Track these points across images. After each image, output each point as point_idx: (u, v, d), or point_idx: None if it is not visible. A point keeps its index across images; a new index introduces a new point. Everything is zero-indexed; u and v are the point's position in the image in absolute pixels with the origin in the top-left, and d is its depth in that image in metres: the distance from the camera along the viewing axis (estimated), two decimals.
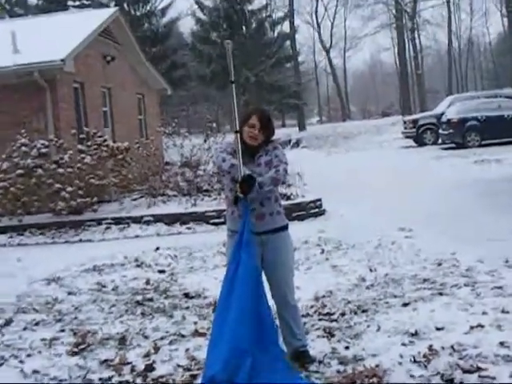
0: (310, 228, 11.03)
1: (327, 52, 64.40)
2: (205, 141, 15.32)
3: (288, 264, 4.66)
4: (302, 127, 47.95)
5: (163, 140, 18.42)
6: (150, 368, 4.87)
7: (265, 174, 4.48)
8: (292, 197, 13.16)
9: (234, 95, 4.57)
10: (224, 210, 10.30)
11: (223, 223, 10.99)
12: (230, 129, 48.72)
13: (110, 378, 4.77)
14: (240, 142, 4.41)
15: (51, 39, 15.68)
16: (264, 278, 4.61)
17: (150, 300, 6.99)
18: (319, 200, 13.06)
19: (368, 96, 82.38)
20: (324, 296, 6.56)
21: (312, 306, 6.20)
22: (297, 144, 35.96)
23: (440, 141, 28.12)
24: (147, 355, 5.16)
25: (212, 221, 12.44)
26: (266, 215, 4.55)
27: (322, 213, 12.84)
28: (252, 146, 4.55)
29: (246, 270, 4.23)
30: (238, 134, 4.43)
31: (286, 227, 4.70)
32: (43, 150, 13.62)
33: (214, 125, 17.08)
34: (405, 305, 5.97)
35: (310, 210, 12.72)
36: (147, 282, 7.81)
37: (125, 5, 38.85)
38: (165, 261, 9.06)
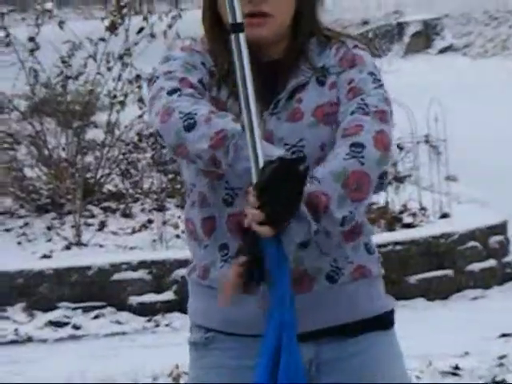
0: (472, 323, 4.66)
1: None
2: (110, 29, 6.37)
3: None
4: None
5: None
6: None
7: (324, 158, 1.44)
8: (409, 218, 5.77)
9: None
10: (182, 263, 4.77)
11: (180, 309, 4.93)
12: None
13: None
14: (242, 52, 1.32)
15: None
16: None
17: None
18: (501, 230, 5.71)
19: None
20: None
21: None
22: (427, 40, 15.00)
23: None
24: None
25: (139, 299, 5.27)
26: (314, 277, 1.47)
27: None
28: (258, 44, 1.44)
29: None
30: (242, 35, 1.32)
31: (387, 319, 1.56)
32: None
33: None
34: None
35: (470, 264, 5.51)
36: None
37: None
38: None
